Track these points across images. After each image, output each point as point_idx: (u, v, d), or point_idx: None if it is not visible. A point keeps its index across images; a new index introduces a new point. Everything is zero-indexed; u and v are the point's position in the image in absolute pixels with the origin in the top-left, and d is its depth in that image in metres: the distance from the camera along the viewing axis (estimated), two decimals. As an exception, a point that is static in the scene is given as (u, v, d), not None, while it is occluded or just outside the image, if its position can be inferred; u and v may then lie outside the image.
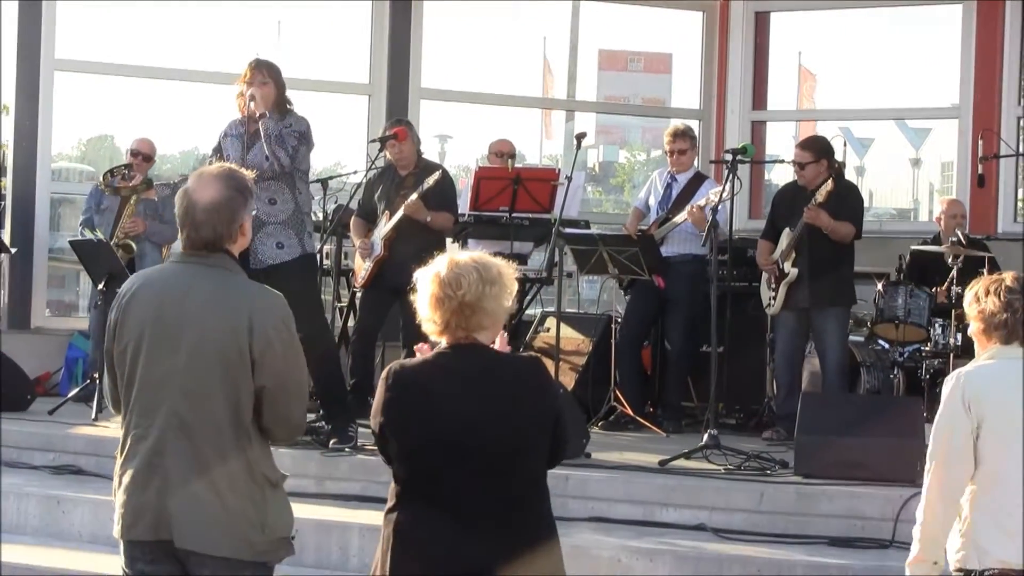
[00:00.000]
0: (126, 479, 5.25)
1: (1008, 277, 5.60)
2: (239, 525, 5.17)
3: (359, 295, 11.14)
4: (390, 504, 5.18)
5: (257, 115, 9.67)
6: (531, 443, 5.25)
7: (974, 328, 5.64)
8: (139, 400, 5.24)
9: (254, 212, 5.47)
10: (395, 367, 5.22)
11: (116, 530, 5.29)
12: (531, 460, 5.27)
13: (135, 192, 11.85)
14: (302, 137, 9.75)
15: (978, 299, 5.58)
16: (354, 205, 11.02)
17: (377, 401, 5.16)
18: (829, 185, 10.40)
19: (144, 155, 12.29)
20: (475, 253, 5.28)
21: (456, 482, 5.09)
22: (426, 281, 5.22)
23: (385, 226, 10.68)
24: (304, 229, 9.74)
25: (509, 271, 5.25)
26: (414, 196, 10.40)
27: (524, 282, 11.78)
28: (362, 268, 10.93)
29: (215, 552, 5.14)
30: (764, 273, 11.02)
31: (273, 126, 9.62)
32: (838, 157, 11.54)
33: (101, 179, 12.10)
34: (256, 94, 9.72)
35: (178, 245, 5.47)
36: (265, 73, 9.81)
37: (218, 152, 9.84)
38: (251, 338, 5.14)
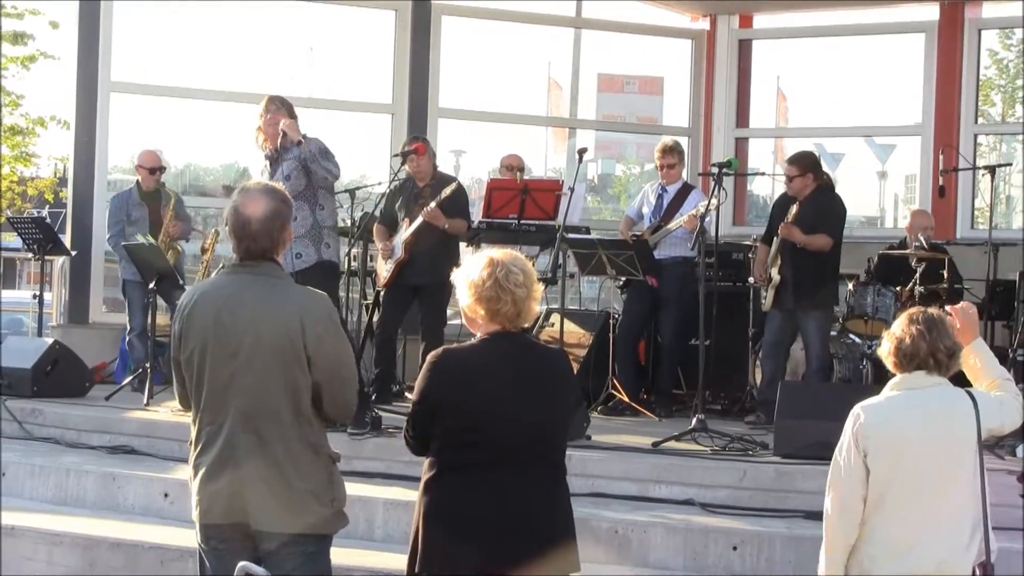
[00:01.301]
0: (201, 471, 5.28)
1: (910, 312, 5.59)
2: (308, 503, 5.22)
3: (382, 293, 11.13)
4: (428, 476, 5.19)
5: (295, 142, 9.76)
6: (559, 418, 5.38)
7: (885, 354, 5.60)
8: (208, 401, 5.26)
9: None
10: (443, 352, 5.26)
11: (195, 515, 5.33)
12: (559, 435, 5.40)
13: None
14: (322, 152, 9.87)
15: (891, 333, 5.56)
16: (377, 213, 11.02)
17: (424, 383, 5.18)
18: (795, 208, 10.48)
19: (159, 168, 12.30)
20: (512, 252, 5.32)
21: (496, 455, 5.13)
22: (477, 276, 5.21)
23: (406, 232, 10.69)
24: (321, 240, 9.91)
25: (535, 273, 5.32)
26: (432, 205, 10.43)
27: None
28: (384, 269, 10.95)
29: (287, 530, 5.18)
30: (756, 274, 11.06)
31: (315, 147, 9.79)
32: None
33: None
34: (285, 127, 9.87)
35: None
36: (278, 104, 10.02)
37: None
38: (304, 337, 5.17)
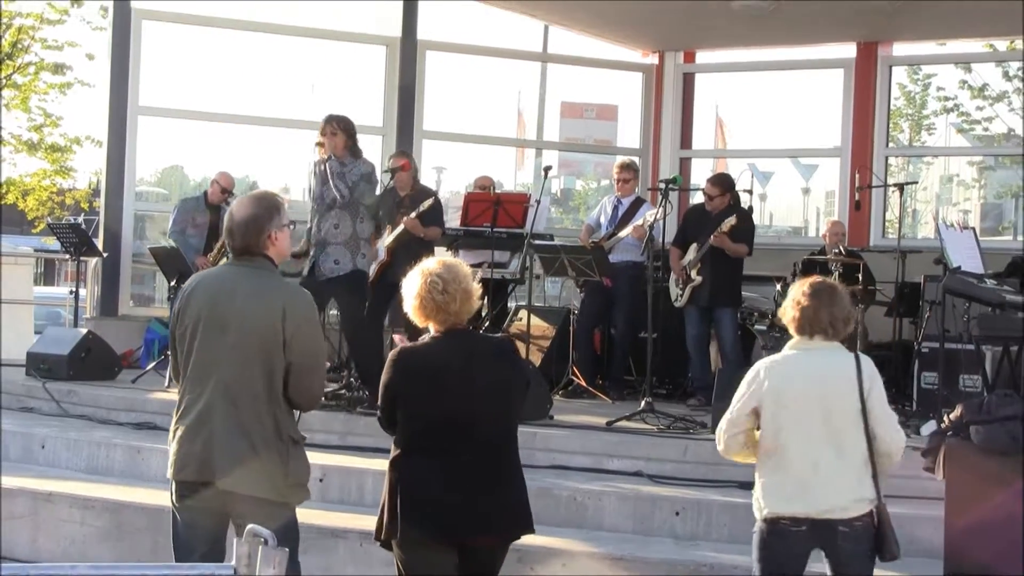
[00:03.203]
0: (179, 432, 5.30)
1: (811, 281, 5.59)
2: (267, 471, 5.19)
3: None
4: (394, 455, 5.23)
5: (325, 158, 9.75)
6: (510, 401, 5.39)
7: (787, 320, 5.58)
8: (193, 371, 5.29)
9: (291, 227, 5.46)
10: (401, 350, 5.32)
11: (169, 472, 5.33)
12: (511, 417, 5.41)
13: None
14: (364, 177, 9.87)
15: (794, 301, 5.53)
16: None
17: (387, 376, 5.20)
18: (733, 220, 10.55)
19: (228, 190, 12.17)
20: (445, 259, 5.40)
21: (451, 437, 5.15)
22: (416, 291, 5.27)
23: (388, 237, 10.67)
24: (358, 250, 9.84)
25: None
26: (412, 215, 10.41)
27: (503, 282, 11.81)
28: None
29: (247, 492, 5.17)
30: (673, 274, 11.08)
31: (336, 167, 9.79)
32: (746, 187, 11.64)
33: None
34: (325, 143, 9.89)
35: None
36: (335, 125, 9.90)
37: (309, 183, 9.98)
38: (284, 323, 5.18)
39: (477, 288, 5.35)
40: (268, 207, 5.35)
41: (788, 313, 5.55)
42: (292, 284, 5.42)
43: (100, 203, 14.00)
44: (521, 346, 10.92)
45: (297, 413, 5.43)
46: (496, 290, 11.31)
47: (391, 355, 5.29)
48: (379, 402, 5.31)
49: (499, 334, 10.37)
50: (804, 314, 5.47)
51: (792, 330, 5.54)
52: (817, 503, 5.29)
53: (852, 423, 5.33)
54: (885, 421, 5.40)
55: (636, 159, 13.60)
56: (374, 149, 14.09)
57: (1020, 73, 20.44)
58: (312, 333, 5.33)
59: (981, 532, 6.38)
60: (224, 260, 11.42)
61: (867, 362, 5.45)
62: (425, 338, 5.33)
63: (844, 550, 5.33)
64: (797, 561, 5.40)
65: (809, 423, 5.34)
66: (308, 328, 5.29)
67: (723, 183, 11.03)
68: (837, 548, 5.33)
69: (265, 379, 5.19)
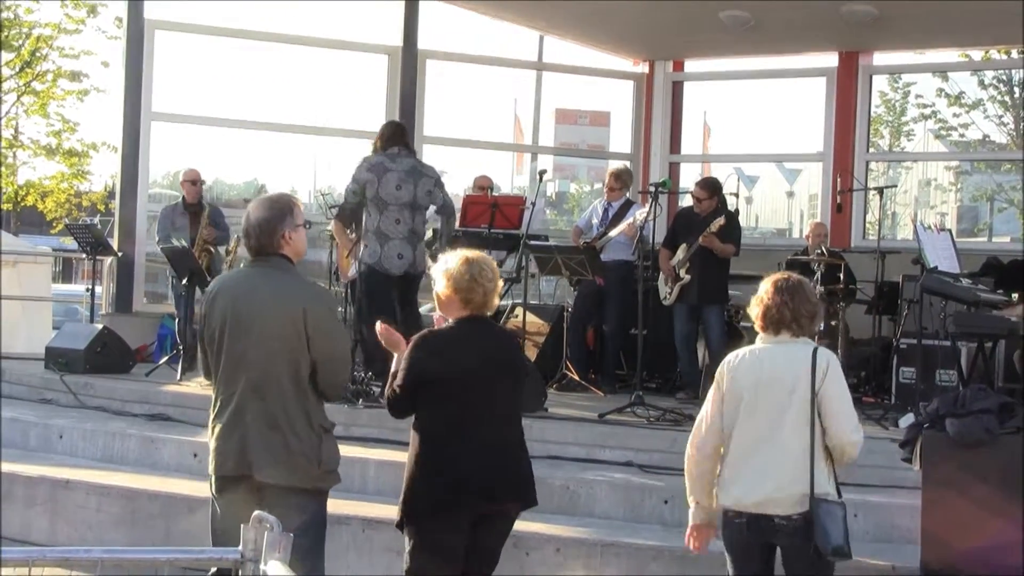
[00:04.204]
0: (216, 429, 5.36)
1: (776, 278, 5.37)
2: (300, 462, 5.23)
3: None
4: (416, 437, 5.34)
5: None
6: (517, 378, 5.61)
7: (753, 317, 5.37)
8: (224, 371, 5.32)
9: (306, 226, 5.45)
10: (427, 332, 5.46)
11: (211, 468, 5.39)
12: (519, 396, 5.69)
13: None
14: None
15: (759, 298, 5.33)
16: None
17: (411, 359, 5.29)
18: (721, 220, 10.52)
19: (198, 182, 12.18)
20: (481, 253, 5.53)
21: (472, 413, 5.30)
22: (455, 270, 5.37)
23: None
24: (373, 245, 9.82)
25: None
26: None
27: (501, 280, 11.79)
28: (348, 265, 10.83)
29: (283, 482, 5.21)
30: (662, 273, 11.09)
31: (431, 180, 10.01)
32: (732, 190, 11.66)
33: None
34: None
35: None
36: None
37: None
38: (305, 320, 5.19)
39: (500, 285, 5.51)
40: (281, 208, 5.36)
41: (753, 310, 5.37)
42: (311, 282, 5.44)
43: (115, 205, 13.99)
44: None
45: None
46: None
47: (415, 338, 5.39)
48: (398, 382, 5.34)
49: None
50: (767, 311, 5.29)
51: (757, 327, 5.37)
52: (751, 494, 5.17)
53: (798, 415, 5.14)
54: (837, 415, 5.18)
55: (628, 163, 13.59)
56: (376, 154, 14.10)
57: (995, 82, 20.49)
58: (333, 329, 5.38)
59: (957, 520, 6.39)
60: (205, 254, 11.54)
61: (824, 356, 5.24)
62: (447, 323, 5.45)
63: (783, 545, 5.20)
64: (749, 554, 5.26)
65: (755, 415, 5.20)
66: (329, 324, 5.33)
67: (711, 187, 11.05)
68: (779, 543, 5.20)
69: (291, 374, 5.22)
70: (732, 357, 5.36)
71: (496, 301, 5.48)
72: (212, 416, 5.39)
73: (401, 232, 9.84)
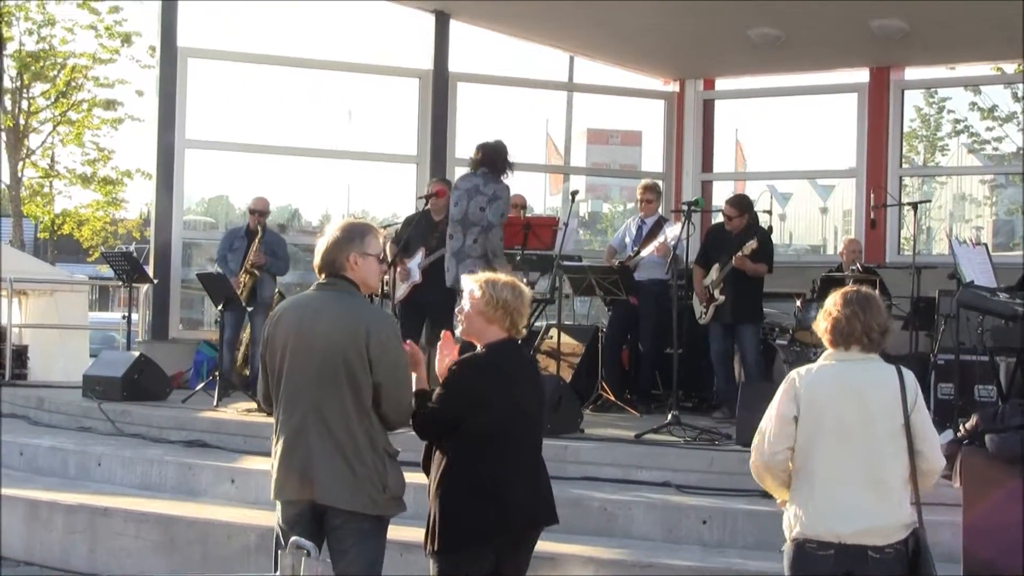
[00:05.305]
0: (278, 452, 5.30)
1: (844, 290, 5.09)
2: (365, 487, 5.19)
3: (398, 310, 11.01)
4: (448, 463, 5.30)
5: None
6: (544, 404, 5.83)
7: (821, 332, 5.06)
8: (285, 394, 5.28)
9: (381, 261, 5.42)
10: (471, 358, 5.36)
11: (272, 491, 5.33)
12: (544, 418, 5.67)
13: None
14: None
15: (827, 312, 5.04)
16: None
17: (460, 386, 5.25)
18: (754, 244, 10.52)
19: (260, 212, 12.17)
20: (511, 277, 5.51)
21: (516, 433, 5.32)
22: (510, 289, 5.38)
23: (425, 260, 10.71)
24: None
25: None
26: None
27: (533, 302, 11.78)
28: (399, 288, 10.89)
29: (346, 507, 5.16)
30: (696, 292, 11.07)
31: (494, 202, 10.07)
32: (766, 208, 11.64)
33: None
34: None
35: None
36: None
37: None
38: (368, 344, 5.15)
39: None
40: (352, 231, 5.34)
41: (820, 324, 5.07)
42: (374, 306, 5.41)
43: (151, 232, 14.08)
44: (552, 363, 10.92)
45: None
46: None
47: (459, 361, 5.34)
48: (440, 406, 5.30)
49: (532, 353, 10.38)
50: (837, 325, 4.99)
51: (826, 342, 5.06)
52: (848, 526, 4.82)
53: (892, 441, 4.87)
54: (930, 438, 4.95)
55: (660, 182, 13.59)
56: (408, 177, 14.16)
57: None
58: (396, 353, 5.27)
59: (998, 536, 6.33)
60: (246, 277, 11.57)
61: (910, 377, 4.99)
62: (480, 349, 5.39)
63: None
64: None
65: (845, 439, 4.87)
66: (391, 348, 5.24)
67: (741, 204, 11.03)
68: (865, 575, 4.83)
69: (353, 398, 5.16)
70: (805, 372, 5.03)
71: (524, 322, 5.48)
72: (273, 438, 5.34)
73: (452, 247, 9.97)
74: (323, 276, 5.34)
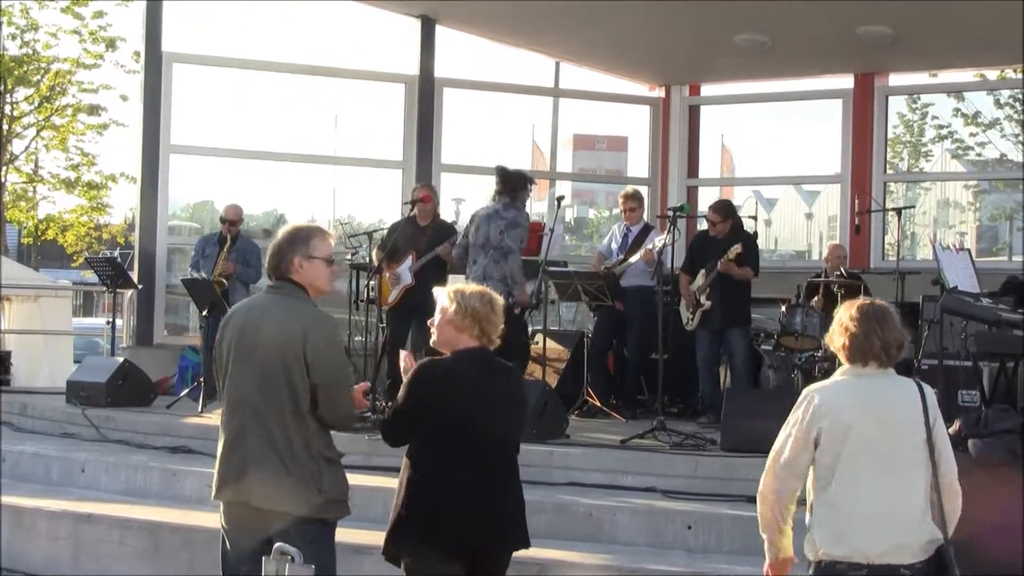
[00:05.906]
0: (218, 454, 5.33)
1: (860, 304, 4.91)
2: (299, 490, 5.16)
3: (386, 313, 11.00)
4: (409, 472, 5.25)
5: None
6: (518, 416, 5.53)
7: (837, 348, 4.90)
8: (228, 396, 5.32)
9: (327, 263, 5.42)
10: (429, 361, 5.33)
11: (212, 492, 5.36)
12: (517, 431, 5.52)
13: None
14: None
15: (843, 327, 4.87)
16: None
17: (414, 390, 5.22)
18: (739, 248, 10.57)
19: (230, 221, 12.16)
20: (481, 287, 5.44)
21: (470, 447, 5.19)
22: (479, 299, 5.33)
23: (416, 263, 10.73)
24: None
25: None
26: (447, 245, 10.66)
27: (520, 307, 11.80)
28: (389, 292, 10.90)
29: (281, 508, 5.14)
30: (683, 299, 11.09)
31: (508, 220, 10.26)
32: (751, 213, 11.66)
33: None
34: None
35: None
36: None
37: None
38: (305, 346, 5.16)
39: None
40: (297, 235, 5.37)
41: (836, 340, 4.89)
42: (315, 309, 5.40)
43: (135, 237, 14.05)
44: (537, 368, 10.93)
45: None
46: (512, 315, 11.29)
47: (417, 367, 5.30)
48: (398, 408, 5.30)
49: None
50: (855, 341, 4.83)
51: (842, 358, 4.89)
52: (878, 543, 4.69)
53: (916, 457, 4.78)
54: (948, 455, 4.87)
55: (643, 188, 13.59)
56: (394, 183, 14.16)
57: (1011, 101, 20.45)
58: (333, 355, 5.28)
59: (982, 541, 6.35)
60: (217, 284, 11.58)
61: (929, 390, 4.91)
62: (447, 355, 5.36)
63: None
64: None
65: (868, 456, 4.73)
66: (329, 350, 5.24)
67: (724, 209, 11.08)
68: None
69: (291, 399, 5.17)
70: (823, 388, 4.89)
71: (499, 333, 5.38)
72: (219, 441, 5.36)
73: (474, 272, 10.03)
74: (272, 279, 5.39)
